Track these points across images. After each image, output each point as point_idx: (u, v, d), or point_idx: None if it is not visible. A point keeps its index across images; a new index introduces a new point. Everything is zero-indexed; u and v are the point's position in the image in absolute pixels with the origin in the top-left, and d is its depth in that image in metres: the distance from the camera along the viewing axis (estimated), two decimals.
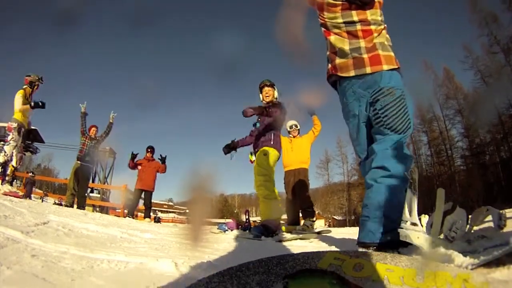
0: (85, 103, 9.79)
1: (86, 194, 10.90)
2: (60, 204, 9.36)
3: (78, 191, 9.76)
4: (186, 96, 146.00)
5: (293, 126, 7.67)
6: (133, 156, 10.46)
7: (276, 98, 5.62)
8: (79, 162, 9.65)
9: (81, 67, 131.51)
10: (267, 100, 5.56)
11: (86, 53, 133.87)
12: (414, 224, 2.03)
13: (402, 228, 2.12)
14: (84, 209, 9.21)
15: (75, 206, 9.74)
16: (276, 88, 5.68)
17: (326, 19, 3.05)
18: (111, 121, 10.16)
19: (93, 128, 10.07)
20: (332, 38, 3.01)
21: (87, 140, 9.76)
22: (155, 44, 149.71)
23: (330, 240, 4.52)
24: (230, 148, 5.77)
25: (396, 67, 2.82)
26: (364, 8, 2.93)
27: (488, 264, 1.32)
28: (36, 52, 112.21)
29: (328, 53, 3.09)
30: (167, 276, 1.54)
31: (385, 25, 2.97)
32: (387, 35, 2.96)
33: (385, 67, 2.79)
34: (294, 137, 7.64)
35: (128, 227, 4.62)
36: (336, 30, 3.00)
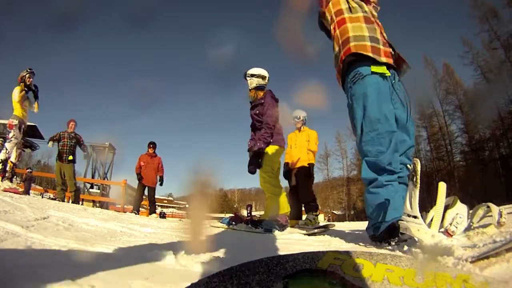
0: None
1: (86, 189, 10.91)
2: (55, 199, 9.40)
3: (70, 188, 9.84)
4: (186, 92, 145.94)
5: (295, 118, 7.40)
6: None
7: (255, 87, 5.45)
8: (61, 162, 9.73)
9: (82, 64, 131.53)
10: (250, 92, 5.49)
11: (87, 50, 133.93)
12: (414, 216, 2.04)
13: (402, 220, 2.13)
14: (79, 203, 9.24)
15: (70, 200, 9.93)
16: (249, 77, 5.49)
17: None
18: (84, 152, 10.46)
19: (71, 123, 10.09)
20: None
21: (66, 140, 9.78)
22: (155, 41, 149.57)
23: (331, 234, 4.53)
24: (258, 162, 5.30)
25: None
26: (325, 18, 3.48)
27: (487, 258, 1.32)
28: (35, 50, 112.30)
29: None
30: (167, 268, 1.54)
31: (360, 14, 3.24)
32: (360, 23, 3.20)
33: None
34: (298, 129, 7.40)
35: (128, 221, 4.63)
36: None
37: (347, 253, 1.02)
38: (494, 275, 1.16)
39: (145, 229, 3.91)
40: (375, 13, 3.34)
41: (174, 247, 1.81)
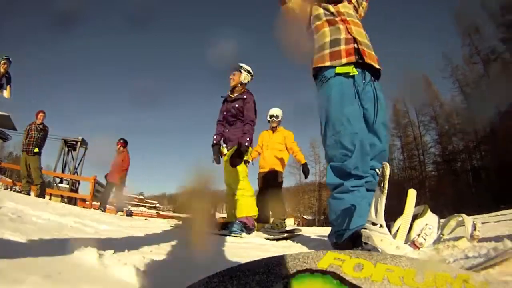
0: None
1: (55, 183, 10.84)
2: (21, 192, 9.36)
3: (35, 180, 9.69)
4: (186, 92, 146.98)
5: (273, 117, 7.16)
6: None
7: (244, 83, 5.46)
8: (26, 154, 9.63)
9: (82, 64, 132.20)
10: (232, 84, 5.45)
11: (87, 50, 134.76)
12: (380, 225, 1.91)
13: (365, 228, 2.01)
14: (44, 197, 9.35)
15: (35, 194, 9.77)
16: (245, 71, 5.46)
17: None
18: None
19: (40, 114, 10.01)
20: None
21: (34, 132, 9.67)
22: (155, 41, 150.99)
23: (294, 239, 4.60)
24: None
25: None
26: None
27: None
28: (35, 50, 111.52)
29: None
30: (82, 267, 1.36)
31: (324, 19, 3.17)
32: (323, 30, 3.12)
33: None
34: (273, 129, 7.19)
35: (88, 218, 4.47)
36: None
37: (347, 253, 0.99)
38: None
39: (102, 226, 3.81)
40: (342, 10, 3.18)
41: (111, 246, 1.64)
